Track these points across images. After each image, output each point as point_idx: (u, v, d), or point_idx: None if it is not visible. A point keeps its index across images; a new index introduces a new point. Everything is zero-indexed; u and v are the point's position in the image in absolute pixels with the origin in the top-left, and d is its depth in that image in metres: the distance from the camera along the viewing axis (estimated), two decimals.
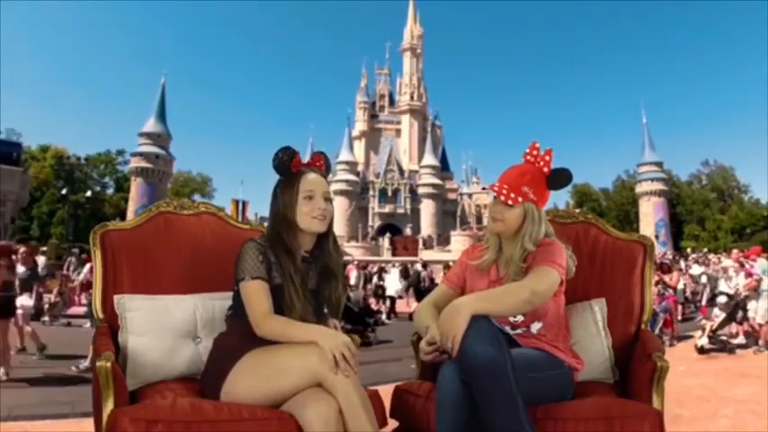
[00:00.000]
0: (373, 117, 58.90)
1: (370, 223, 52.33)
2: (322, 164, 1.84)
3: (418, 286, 15.57)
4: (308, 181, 1.75)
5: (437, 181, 54.53)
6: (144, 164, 47.66)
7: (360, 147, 57.22)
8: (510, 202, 1.77)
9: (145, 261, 2.02)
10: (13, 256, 7.13)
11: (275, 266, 1.68)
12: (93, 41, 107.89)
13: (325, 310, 1.82)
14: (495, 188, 1.79)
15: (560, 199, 50.08)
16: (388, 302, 14.73)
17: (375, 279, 16.81)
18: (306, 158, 1.82)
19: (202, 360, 1.81)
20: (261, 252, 1.68)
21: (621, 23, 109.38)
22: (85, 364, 5.80)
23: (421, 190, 53.82)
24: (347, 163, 53.37)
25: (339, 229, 49.76)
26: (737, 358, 6.94)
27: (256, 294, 1.63)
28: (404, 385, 1.87)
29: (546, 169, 1.82)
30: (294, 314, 1.64)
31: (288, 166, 1.76)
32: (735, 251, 10.25)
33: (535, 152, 1.84)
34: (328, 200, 1.78)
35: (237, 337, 1.65)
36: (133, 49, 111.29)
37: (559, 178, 1.84)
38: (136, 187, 47.66)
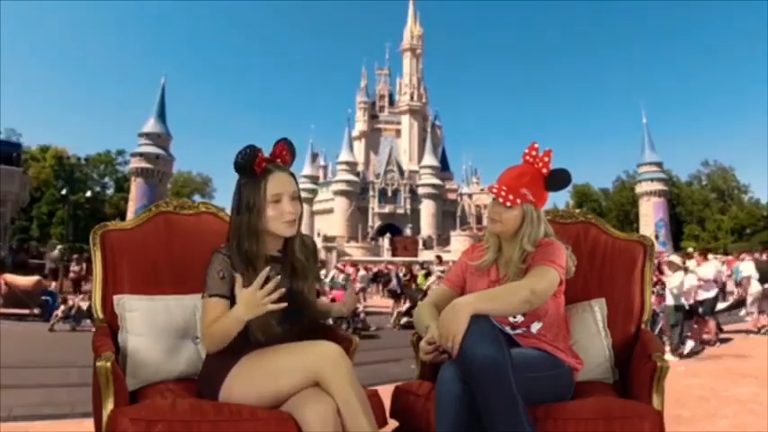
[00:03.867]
0: (373, 117, 58.96)
1: (369, 223, 52.36)
2: (286, 154, 1.71)
3: None
4: (274, 182, 1.63)
5: (437, 181, 54.54)
6: (144, 164, 47.70)
7: (360, 147, 57.25)
8: (508, 204, 1.77)
9: (145, 261, 2.02)
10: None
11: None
12: (93, 41, 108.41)
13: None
14: (494, 189, 1.80)
15: (560, 199, 50.24)
16: None
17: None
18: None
19: (202, 360, 1.80)
20: (224, 267, 1.62)
21: (621, 23, 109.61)
22: None
23: (421, 190, 53.84)
24: (347, 163, 53.40)
25: (339, 229, 49.81)
26: (738, 358, 6.94)
27: (207, 312, 1.61)
28: (404, 385, 1.87)
29: (545, 170, 1.82)
30: (260, 320, 1.57)
31: (251, 167, 1.62)
32: (695, 255, 10.00)
33: (534, 153, 1.83)
34: (296, 199, 1.68)
35: (233, 340, 1.62)
36: (133, 48, 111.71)
37: (558, 179, 1.83)
38: (136, 187, 47.70)
